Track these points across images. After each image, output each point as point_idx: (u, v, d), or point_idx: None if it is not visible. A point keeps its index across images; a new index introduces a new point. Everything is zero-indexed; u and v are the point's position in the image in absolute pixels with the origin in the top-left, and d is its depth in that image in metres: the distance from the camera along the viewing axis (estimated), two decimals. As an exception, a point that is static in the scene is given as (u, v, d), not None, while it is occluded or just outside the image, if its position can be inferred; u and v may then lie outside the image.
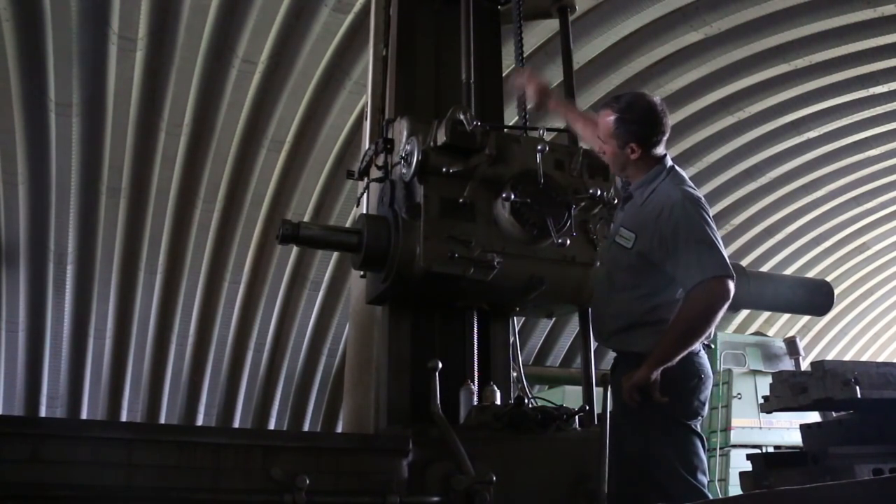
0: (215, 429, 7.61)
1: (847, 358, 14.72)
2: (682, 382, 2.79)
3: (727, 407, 9.60)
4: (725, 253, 2.84)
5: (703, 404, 2.86)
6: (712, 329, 2.80)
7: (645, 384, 2.70)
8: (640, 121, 2.97)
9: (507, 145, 3.71)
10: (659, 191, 2.96)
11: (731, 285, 2.74)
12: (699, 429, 2.87)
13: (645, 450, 2.78)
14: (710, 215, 2.91)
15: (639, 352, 2.81)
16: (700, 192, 3.05)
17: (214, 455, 2.93)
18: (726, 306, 2.74)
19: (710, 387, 2.89)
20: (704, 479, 2.77)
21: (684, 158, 10.31)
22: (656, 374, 2.70)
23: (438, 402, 3.31)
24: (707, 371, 2.87)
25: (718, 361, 9.90)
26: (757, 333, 12.37)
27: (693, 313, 2.74)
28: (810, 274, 12.99)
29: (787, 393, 3.83)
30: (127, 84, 7.55)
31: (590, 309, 3.54)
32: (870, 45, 9.12)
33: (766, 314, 13.54)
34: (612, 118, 3.00)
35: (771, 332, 13.20)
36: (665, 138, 3.04)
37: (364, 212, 4.05)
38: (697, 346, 2.84)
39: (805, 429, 4.05)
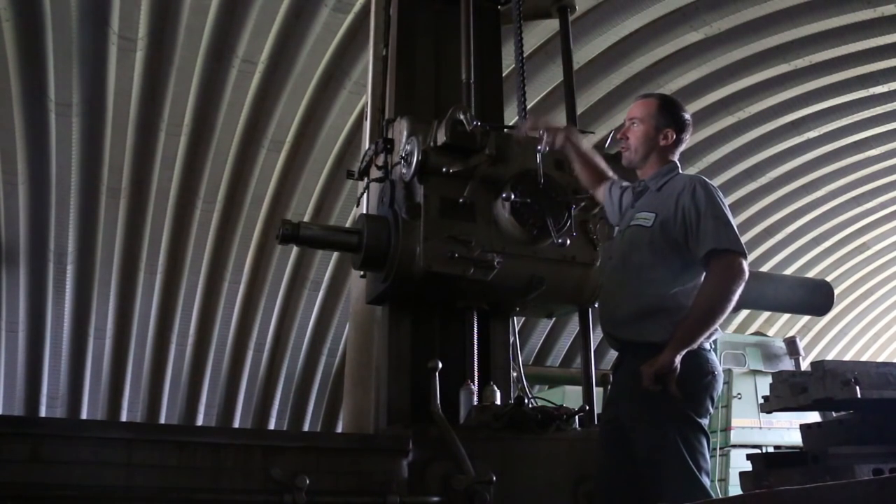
0: (215, 429, 7.61)
1: (847, 358, 14.71)
2: (696, 378, 2.77)
3: (727, 407, 9.58)
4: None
5: (713, 402, 2.86)
6: (731, 308, 2.81)
7: (667, 371, 2.67)
8: (678, 115, 3.19)
9: (506, 145, 3.71)
10: (675, 179, 3.07)
11: (745, 264, 2.80)
12: (707, 428, 2.85)
13: (655, 445, 2.73)
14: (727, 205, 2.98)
15: (655, 342, 2.76)
16: None
17: (214, 455, 2.94)
18: (743, 284, 2.78)
19: (721, 385, 2.90)
20: (707, 481, 2.75)
21: (684, 158, 10.14)
22: (678, 361, 2.68)
23: (438, 402, 3.32)
24: (719, 369, 2.88)
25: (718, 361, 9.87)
26: (757, 333, 12.36)
27: (712, 290, 2.78)
28: (810, 274, 12.98)
29: (787, 393, 3.81)
30: (127, 84, 7.55)
31: (598, 300, 3.51)
32: (870, 45, 9.12)
33: (766, 314, 13.53)
34: (656, 102, 3.18)
35: (771, 332, 13.19)
36: (682, 147, 3.23)
37: (364, 212, 4.05)
38: (708, 343, 2.85)
39: (805, 429, 4.03)
